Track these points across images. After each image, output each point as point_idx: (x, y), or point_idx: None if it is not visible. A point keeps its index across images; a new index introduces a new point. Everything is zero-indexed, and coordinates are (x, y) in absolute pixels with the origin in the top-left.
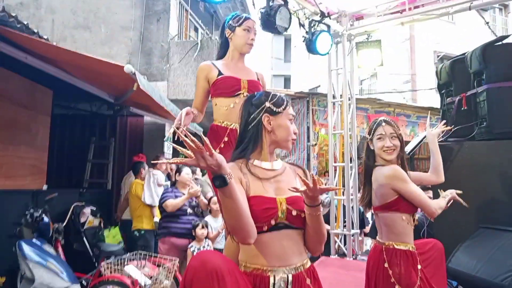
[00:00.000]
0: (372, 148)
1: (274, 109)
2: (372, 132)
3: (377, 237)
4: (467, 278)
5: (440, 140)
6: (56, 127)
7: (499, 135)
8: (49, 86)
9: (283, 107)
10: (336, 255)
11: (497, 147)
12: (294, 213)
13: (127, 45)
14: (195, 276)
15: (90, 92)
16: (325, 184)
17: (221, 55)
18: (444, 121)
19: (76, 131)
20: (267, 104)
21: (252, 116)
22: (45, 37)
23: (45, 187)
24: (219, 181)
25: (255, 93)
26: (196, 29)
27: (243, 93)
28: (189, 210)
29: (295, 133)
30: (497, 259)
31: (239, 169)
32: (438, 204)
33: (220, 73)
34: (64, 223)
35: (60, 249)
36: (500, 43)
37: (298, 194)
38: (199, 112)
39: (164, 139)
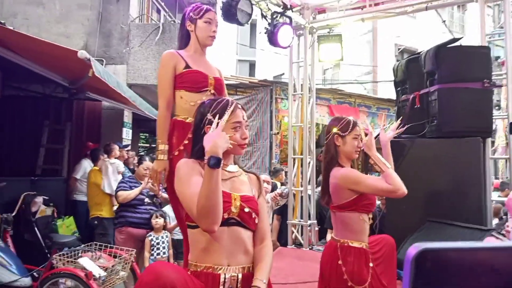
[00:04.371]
0: (338, 144)
1: (214, 120)
2: (350, 130)
3: (332, 234)
4: None
5: (393, 137)
6: (4, 110)
7: (447, 134)
8: None
9: (224, 117)
10: (293, 245)
11: (445, 144)
12: (246, 210)
13: (84, 25)
14: None
15: (43, 74)
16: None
17: (182, 46)
18: (398, 122)
19: (28, 114)
20: (208, 116)
21: (198, 127)
22: None
23: None
24: (216, 161)
25: (205, 101)
26: (158, 11)
27: (209, 90)
28: (147, 200)
29: (244, 138)
30: None
31: (200, 166)
32: (396, 183)
33: (187, 65)
34: (14, 213)
35: (9, 241)
36: (452, 45)
37: (250, 194)
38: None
39: None
